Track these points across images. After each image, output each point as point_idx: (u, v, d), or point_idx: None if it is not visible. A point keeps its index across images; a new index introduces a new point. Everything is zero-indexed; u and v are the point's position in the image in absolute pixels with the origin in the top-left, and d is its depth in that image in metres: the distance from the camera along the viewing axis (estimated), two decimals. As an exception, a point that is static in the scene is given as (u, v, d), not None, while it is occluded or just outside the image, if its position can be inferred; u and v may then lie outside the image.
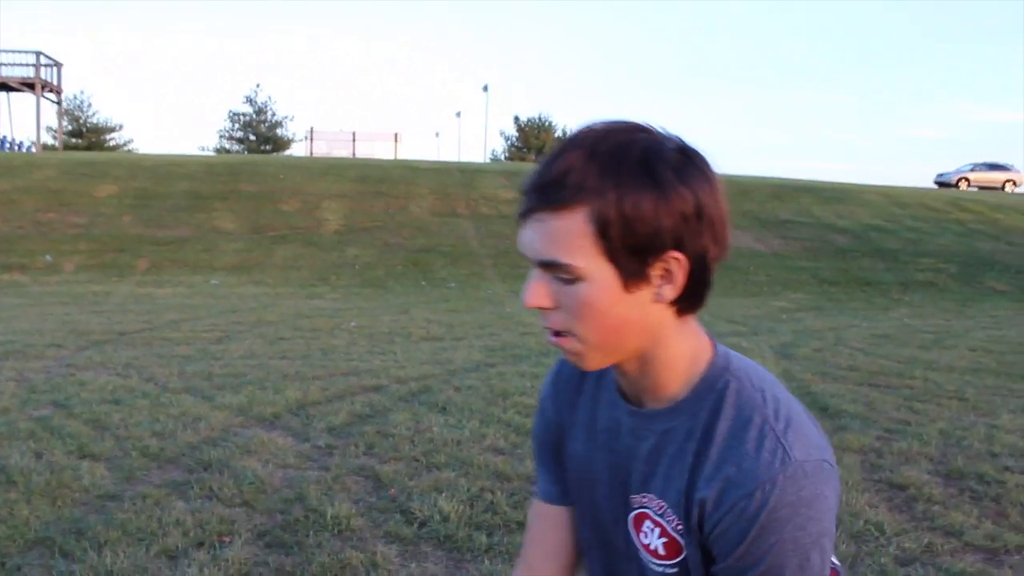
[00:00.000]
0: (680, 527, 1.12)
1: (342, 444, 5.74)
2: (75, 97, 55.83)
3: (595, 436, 1.24)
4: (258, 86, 69.85)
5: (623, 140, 1.01)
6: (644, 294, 1.04)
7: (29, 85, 40.33)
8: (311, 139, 51.49)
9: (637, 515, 1.17)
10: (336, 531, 4.20)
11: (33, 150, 41.94)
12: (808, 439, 1.07)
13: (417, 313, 14.18)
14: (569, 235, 1.01)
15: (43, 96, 41.28)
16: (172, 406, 6.74)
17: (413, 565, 3.88)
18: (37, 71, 40.25)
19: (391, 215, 24.15)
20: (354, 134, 50.35)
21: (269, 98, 58.93)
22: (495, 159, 59.18)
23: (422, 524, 4.33)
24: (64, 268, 19.84)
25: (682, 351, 1.11)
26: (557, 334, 1.09)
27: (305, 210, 24.18)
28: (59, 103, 45.45)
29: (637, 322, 1.05)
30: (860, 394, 7.75)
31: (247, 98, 59.94)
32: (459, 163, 36.32)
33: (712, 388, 1.10)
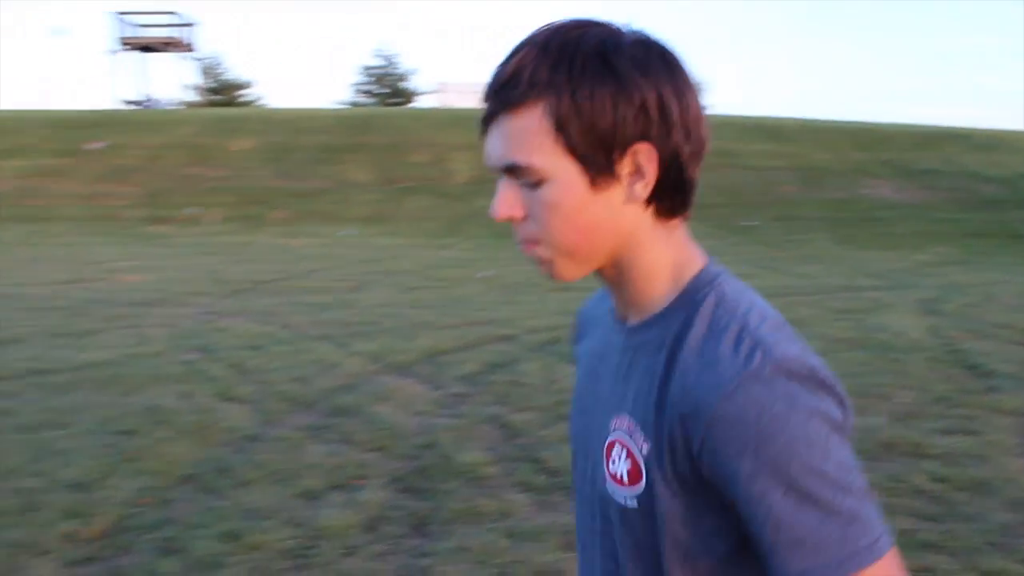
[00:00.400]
0: (646, 448, 0.99)
1: (474, 392, 5.77)
2: (210, 55, 57.60)
3: (594, 368, 1.16)
4: (388, 39, 71.10)
5: (576, 34, 0.96)
6: (614, 193, 0.97)
7: (169, 44, 41.77)
8: (441, 91, 51.88)
9: (609, 443, 1.05)
10: (468, 478, 4.23)
11: (173, 107, 43.53)
12: (796, 345, 0.94)
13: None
14: (527, 134, 0.96)
15: (182, 55, 42.72)
16: (309, 352, 6.91)
17: (545, 514, 3.87)
18: (174, 31, 41.66)
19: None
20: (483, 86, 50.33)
21: (399, 52, 59.36)
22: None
23: (553, 474, 4.32)
24: (207, 220, 20.59)
25: (663, 260, 1.02)
26: (530, 245, 1.02)
27: (435, 161, 24.39)
28: (195, 61, 46.94)
29: (608, 224, 0.99)
30: (1013, 353, 7.34)
31: (377, 52, 60.74)
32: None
33: (692, 299, 1.00)
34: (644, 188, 0.97)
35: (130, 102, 41.98)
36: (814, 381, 0.91)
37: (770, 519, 0.89)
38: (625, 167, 0.96)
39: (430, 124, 28.06)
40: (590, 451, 1.12)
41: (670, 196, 0.99)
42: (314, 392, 5.75)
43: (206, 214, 20.82)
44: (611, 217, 0.98)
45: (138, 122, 29.22)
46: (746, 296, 1.00)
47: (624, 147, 0.95)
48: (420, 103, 56.96)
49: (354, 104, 56.68)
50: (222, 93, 57.15)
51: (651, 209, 0.99)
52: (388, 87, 58.88)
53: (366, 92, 59.50)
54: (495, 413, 5.34)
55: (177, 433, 4.84)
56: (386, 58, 59.07)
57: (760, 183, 23.29)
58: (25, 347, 7.24)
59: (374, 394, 5.65)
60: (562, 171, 0.96)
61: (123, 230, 19.55)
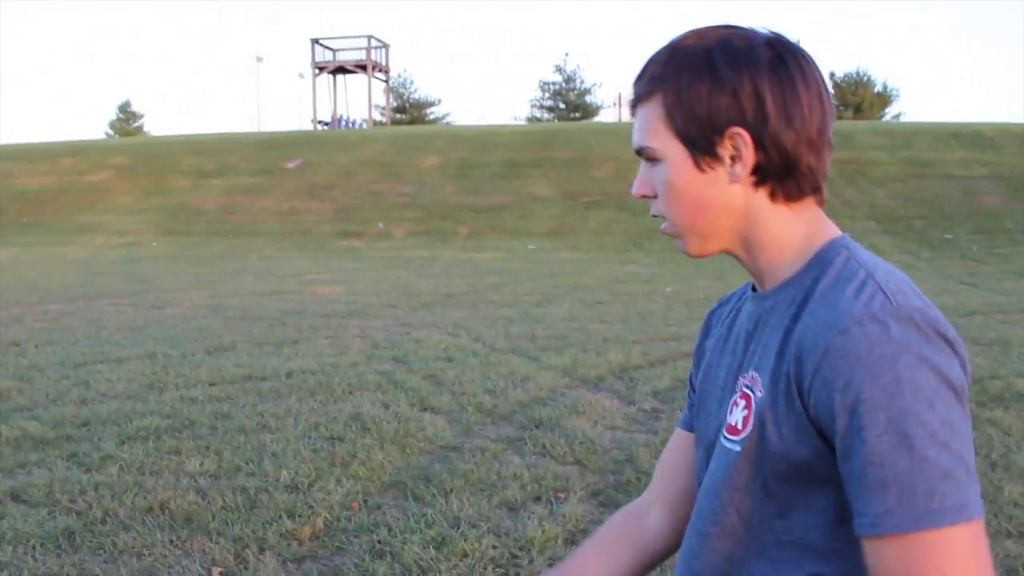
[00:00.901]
0: (761, 395, 1.05)
1: (668, 408, 5.72)
2: (399, 75, 59.70)
3: (724, 342, 1.23)
4: (567, 54, 71.51)
5: (701, 35, 1.10)
6: (719, 174, 1.08)
7: (362, 67, 43.56)
8: (619, 105, 51.89)
9: (733, 401, 1.12)
10: (668, 494, 4.18)
11: (365, 126, 45.27)
12: (921, 300, 0.98)
13: (733, 279, 13.88)
14: (649, 121, 1.11)
15: (374, 76, 44.44)
16: (501, 365, 7.02)
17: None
18: (368, 53, 43.41)
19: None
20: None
21: (578, 66, 59.63)
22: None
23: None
24: (394, 234, 21.31)
25: (790, 232, 1.10)
26: (663, 224, 1.15)
27: (617, 176, 24.39)
28: (387, 81, 48.71)
29: (719, 202, 1.09)
30: None
31: (556, 67, 61.35)
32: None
33: (823, 260, 1.08)
34: (742, 168, 1.07)
35: (323, 123, 43.96)
36: (934, 331, 0.94)
37: (863, 455, 0.91)
38: (726, 150, 1.07)
39: (612, 138, 28.07)
40: (712, 425, 1.19)
41: (780, 178, 1.08)
42: (509, 404, 5.83)
43: (388, 229, 21.52)
44: (720, 195, 1.09)
45: (330, 141, 30.57)
46: (878, 261, 1.06)
47: (721, 131, 1.06)
48: (602, 117, 57.09)
49: (534, 120, 57.43)
50: (410, 112, 59.08)
51: (765, 190, 1.09)
52: (566, 103, 59.34)
53: (546, 107, 60.17)
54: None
55: (380, 441, 5.01)
56: (564, 72, 59.59)
57: (959, 193, 22.11)
58: (236, 354, 7.68)
59: (568, 408, 5.68)
60: (672, 151, 1.09)
61: (316, 244, 20.48)
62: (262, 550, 3.61)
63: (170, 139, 34.71)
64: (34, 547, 3.63)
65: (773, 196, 1.09)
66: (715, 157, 1.08)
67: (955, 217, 20.46)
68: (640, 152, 1.14)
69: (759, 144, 1.06)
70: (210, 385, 6.47)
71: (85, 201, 25.88)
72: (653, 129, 1.11)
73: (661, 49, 1.13)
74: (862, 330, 0.94)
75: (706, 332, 1.35)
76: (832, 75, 57.90)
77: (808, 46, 1.13)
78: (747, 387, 1.09)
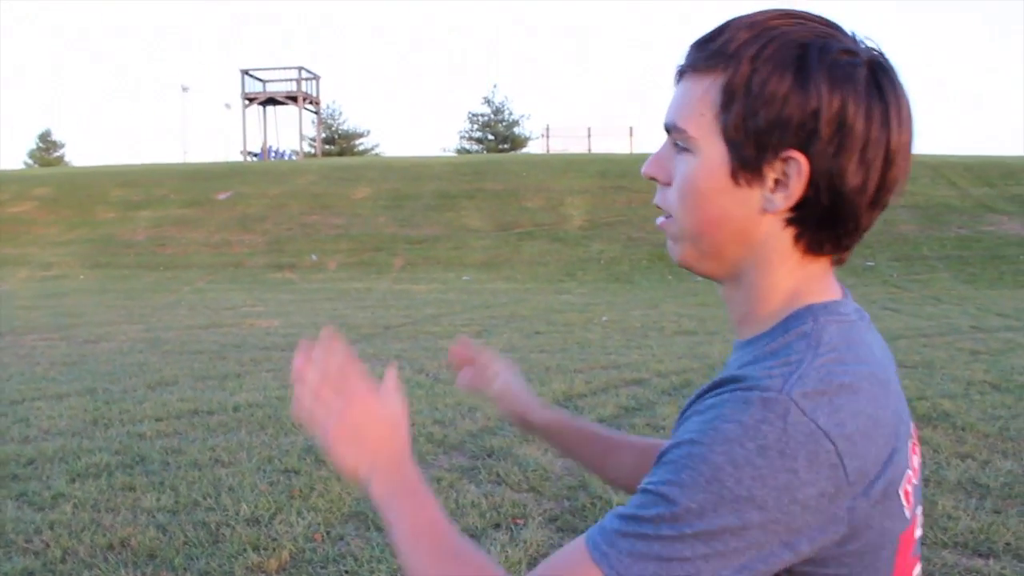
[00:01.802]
0: None
1: (615, 435, 5.86)
2: (328, 106, 59.57)
3: None
4: (495, 86, 72.05)
5: (799, 21, 0.90)
6: (753, 194, 0.90)
7: (292, 98, 43.41)
8: (547, 136, 52.46)
9: None
10: (622, 519, 4.31)
11: (295, 158, 45.05)
12: (839, 406, 0.82)
13: (666, 307, 14.19)
14: (695, 100, 0.92)
15: (304, 107, 44.29)
16: (447, 396, 7.11)
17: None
18: (299, 85, 43.28)
19: (634, 209, 24.25)
20: (589, 130, 50.89)
21: (506, 98, 60.19)
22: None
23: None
24: (328, 266, 21.24)
25: (784, 285, 0.94)
26: (663, 218, 1.00)
27: (549, 207, 24.70)
28: (317, 112, 48.55)
29: (738, 224, 0.92)
30: None
31: (485, 99, 61.81)
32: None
33: (786, 326, 0.92)
34: (783, 200, 0.89)
35: (252, 154, 43.63)
36: (809, 443, 0.80)
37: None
38: (773, 171, 0.89)
39: (542, 169, 28.42)
40: None
41: (818, 226, 0.91)
42: (459, 434, 5.92)
43: (322, 260, 21.45)
44: (743, 218, 0.92)
45: (261, 172, 30.37)
46: (846, 347, 0.89)
47: (777, 149, 0.88)
48: (530, 148, 57.59)
49: (463, 151, 57.70)
50: (339, 143, 58.89)
51: (792, 231, 0.92)
52: (495, 134, 59.76)
53: (475, 139, 60.51)
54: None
55: (335, 473, 5.05)
56: (493, 104, 60.09)
57: (879, 222, 22.81)
58: (179, 389, 7.64)
59: (518, 436, 5.79)
60: (710, 148, 0.91)
61: (250, 276, 20.31)
62: (229, 583, 3.64)
63: (95, 169, 34.09)
64: (-4, 586, 3.62)
65: (797, 240, 0.93)
66: (757, 174, 0.90)
67: (876, 245, 21.12)
68: (669, 130, 0.96)
69: (814, 179, 0.88)
70: (156, 420, 6.44)
71: (7, 233, 25.27)
72: (697, 112, 0.92)
73: (740, 19, 0.92)
74: (727, 397, 0.84)
75: None
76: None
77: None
78: None
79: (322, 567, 3.80)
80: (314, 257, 21.83)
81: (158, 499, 4.64)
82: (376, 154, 56.66)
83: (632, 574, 0.81)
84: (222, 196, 27.01)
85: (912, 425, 0.98)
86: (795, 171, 0.88)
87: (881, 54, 0.90)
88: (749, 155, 0.89)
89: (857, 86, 0.86)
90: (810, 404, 0.81)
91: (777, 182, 0.89)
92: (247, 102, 43.49)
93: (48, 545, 4.06)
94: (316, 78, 44.99)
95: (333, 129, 60.76)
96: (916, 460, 0.98)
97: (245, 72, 43.02)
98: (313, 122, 49.91)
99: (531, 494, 4.71)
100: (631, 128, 50.14)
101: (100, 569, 3.78)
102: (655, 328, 11.39)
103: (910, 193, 24.96)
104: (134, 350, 10.03)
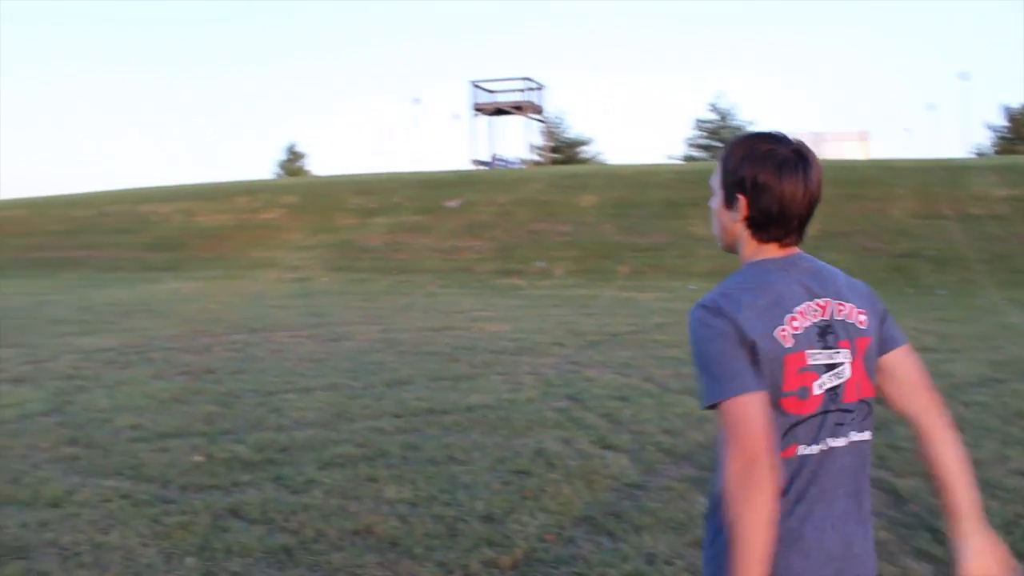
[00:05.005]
0: None
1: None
2: (552, 115, 60.50)
3: None
4: (722, 92, 70.50)
5: (744, 137, 1.87)
6: (733, 215, 1.85)
7: (518, 107, 44.42)
8: (777, 144, 50.80)
9: None
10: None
11: (522, 166, 46.03)
12: (709, 295, 1.78)
13: (904, 322, 13.43)
14: (716, 174, 1.90)
15: (529, 116, 45.22)
16: (676, 405, 7.06)
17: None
18: (524, 95, 44.25)
19: (869, 218, 23.19)
20: (817, 135, 49.02)
21: (733, 104, 59.03)
22: (980, 154, 54.09)
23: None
24: (554, 273, 21.56)
25: (744, 253, 1.86)
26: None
27: (777, 216, 23.98)
28: (542, 121, 49.44)
29: (729, 228, 1.88)
30: None
31: (711, 105, 60.87)
32: (940, 160, 33.74)
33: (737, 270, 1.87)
34: (739, 216, 1.83)
35: (480, 162, 44.95)
36: (698, 312, 1.75)
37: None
38: (738, 203, 1.82)
39: (772, 178, 27.60)
40: None
41: (757, 228, 1.82)
42: (688, 445, 5.87)
43: (549, 267, 21.78)
44: (730, 224, 1.87)
45: (490, 181, 31.23)
46: (740, 277, 1.81)
47: (735, 193, 1.82)
48: (756, 156, 56.07)
49: (688, 158, 57.07)
50: (564, 151, 59.70)
51: (748, 231, 1.84)
52: (723, 141, 58.65)
53: (701, 146, 59.72)
54: (877, 476, 5.19)
55: (566, 476, 5.14)
56: (719, 111, 59.13)
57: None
58: (415, 388, 7.98)
59: (749, 449, 5.67)
60: (717, 192, 1.89)
61: (478, 282, 20.91)
62: (466, 576, 3.78)
63: (335, 179, 36.17)
64: (258, 561, 3.92)
65: (752, 234, 1.84)
66: (733, 204, 1.84)
67: None
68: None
69: (750, 207, 1.81)
70: (395, 417, 6.76)
71: (259, 237, 27.25)
72: (715, 179, 1.91)
73: (735, 137, 1.93)
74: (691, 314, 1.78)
75: None
76: (1007, 108, 55.62)
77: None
78: None
79: (553, 567, 3.87)
80: (541, 264, 22.21)
81: (398, 491, 4.88)
82: (600, 162, 56.93)
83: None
84: (452, 204, 27.98)
85: (817, 301, 1.81)
86: (741, 203, 1.82)
87: (800, 144, 1.84)
88: (729, 196, 1.85)
89: (761, 161, 1.79)
90: (712, 296, 1.77)
91: (738, 208, 1.83)
92: (476, 112, 44.87)
93: (303, 525, 4.36)
94: (541, 88, 45.81)
95: (557, 137, 61.65)
96: (818, 317, 1.80)
97: (475, 84, 44.40)
98: (541, 131, 50.83)
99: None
100: (863, 132, 47.65)
101: (348, 552, 4.02)
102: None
103: None
104: (373, 349, 10.57)
